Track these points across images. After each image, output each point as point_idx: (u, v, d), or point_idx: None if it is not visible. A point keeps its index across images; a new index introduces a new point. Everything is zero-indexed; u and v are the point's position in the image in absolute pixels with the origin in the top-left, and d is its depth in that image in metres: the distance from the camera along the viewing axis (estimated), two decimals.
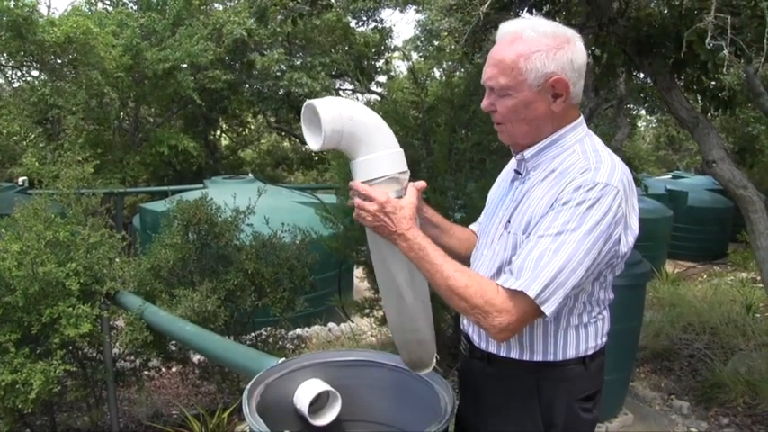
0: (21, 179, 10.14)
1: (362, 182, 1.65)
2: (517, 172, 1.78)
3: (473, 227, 2.06)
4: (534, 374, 1.70)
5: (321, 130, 1.57)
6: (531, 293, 1.51)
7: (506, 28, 1.66)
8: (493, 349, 1.75)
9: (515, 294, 1.53)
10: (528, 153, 1.71)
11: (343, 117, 1.60)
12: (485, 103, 1.70)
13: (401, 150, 1.70)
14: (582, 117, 1.74)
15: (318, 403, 1.93)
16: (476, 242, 1.99)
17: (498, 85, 1.63)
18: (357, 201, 1.64)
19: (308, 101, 1.63)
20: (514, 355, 1.71)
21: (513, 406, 1.75)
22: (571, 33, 1.65)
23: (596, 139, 1.72)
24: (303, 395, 1.90)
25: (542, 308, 1.52)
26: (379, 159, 1.65)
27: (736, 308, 6.52)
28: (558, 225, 1.53)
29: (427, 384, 1.88)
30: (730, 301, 6.86)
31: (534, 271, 1.52)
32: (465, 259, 1.96)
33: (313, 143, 1.65)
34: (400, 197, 1.66)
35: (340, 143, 1.62)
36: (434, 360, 1.88)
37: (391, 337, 1.91)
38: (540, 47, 1.59)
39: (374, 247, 1.74)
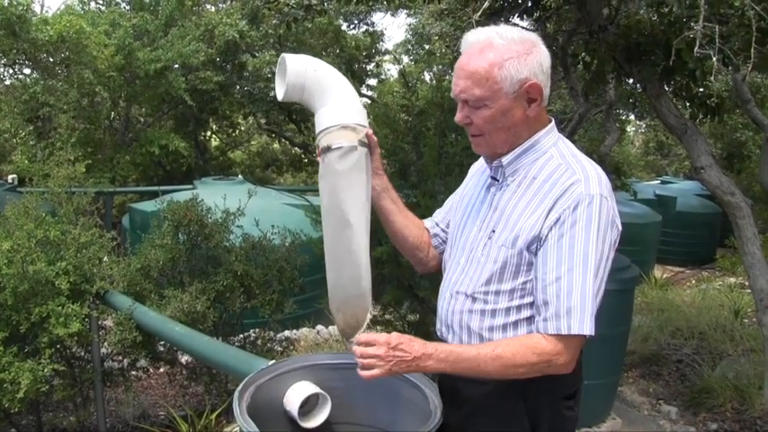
0: (10, 177, 10.08)
1: (319, 131, 1.73)
2: (494, 178, 1.79)
3: (427, 223, 2.07)
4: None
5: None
6: (589, 331, 1.56)
7: (473, 38, 1.65)
8: None
9: (566, 335, 1.57)
10: (506, 159, 1.72)
11: (307, 71, 1.72)
12: (459, 117, 1.70)
13: (363, 108, 1.78)
14: (553, 121, 1.76)
15: (308, 406, 1.94)
16: (426, 237, 2.02)
17: (474, 96, 1.62)
18: (360, 351, 1.58)
19: (282, 54, 1.76)
20: None
21: (498, 409, 1.75)
22: (535, 37, 1.66)
23: (569, 143, 1.74)
24: (293, 397, 1.90)
25: (589, 333, 1.57)
26: (334, 108, 1.73)
27: (725, 313, 6.56)
28: (581, 251, 1.56)
29: (416, 387, 1.89)
30: (719, 306, 6.90)
31: (583, 309, 1.55)
32: (411, 248, 2.00)
33: (279, 93, 1.77)
34: (355, 148, 1.72)
35: (302, 95, 1.74)
36: (368, 317, 1.90)
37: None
38: (511, 53, 1.60)
39: (328, 193, 1.77)
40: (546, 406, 1.73)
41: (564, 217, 1.57)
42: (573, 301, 1.55)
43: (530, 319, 1.68)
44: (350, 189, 1.75)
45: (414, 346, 1.56)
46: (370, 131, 1.77)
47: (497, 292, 1.69)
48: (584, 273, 1.55)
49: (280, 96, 1.77)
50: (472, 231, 1.80)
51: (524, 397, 1.72)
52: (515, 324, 1.70)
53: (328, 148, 1.71)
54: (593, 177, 1.61)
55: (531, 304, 1.67)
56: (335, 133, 1.71)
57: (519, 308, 1.69)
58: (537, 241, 1.62)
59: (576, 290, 1.55)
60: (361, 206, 1.78)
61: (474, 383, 1.77)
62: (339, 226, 1.78)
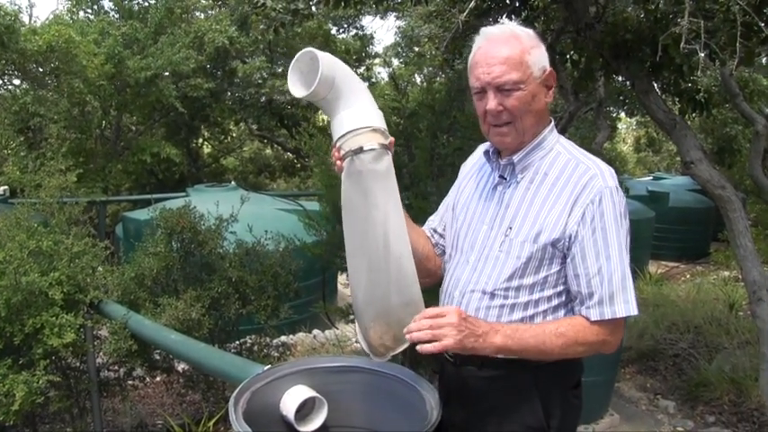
0: (1, 188, 10.04)
1: (345, 133, 1.66)
2: (502, 177, 1.82)
3: (427, 231, 2.08)
4: (532, 371, 1.73)
5: (317, 74, 1.59)
6: (634, 311, 1.67)
7: (496, 30, 1.73)
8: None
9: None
10: (516, 157, 1.77)
11: (338, 65, 1.66)
12: (493, 105, 1.71)
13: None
14: (552, 120, 1.83)
15: (305, 410, 1.93)
16: (431, 247, 2.04)
17: (512, 80, 1.68)
18: (430, 323, 1.58)
19: (305, 48, 1.66)
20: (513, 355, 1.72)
21: (513, 404, 1.78)
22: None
23: (567, 140, 1.83)
24: (289, 402, 1.90)
25: (634, 313, 1.69)
26: (363, 110, 1.68)
27: (720, 306, 6.59)
28: (614, 240, 1.66)
29: (413, 389, 1.88)
30: (713, 300, 6.94)
31: (625, 291, 1.66)
32: (421, 259, 1.96)
33: (301, 90, 1.66)
34: (387, 151, 1.70)
35: (329, 93, 1.65)
36: None
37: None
38: (533, 43, 1.71)
39: (363, 195, 1.70)
40: (556, 395, 1.78)
41: (591, 211, 1.66)
42: (615, 287, 1.65)
43: (545, 312, 1.74)
44: (387, 191, 1.71)
45: (479, 322, 1.64)
46: (392, 139, 1.75)
47: (518, 288, 1.74)
48: (621, 258, 1.66)
49: (302, 92, 1.65)
50: (482, 230, 1.82)
51: (537, 388, 1.75)
52: (532, 318, 1.74)
53: (360, 150, 1.65)
54: (606, 169, 1.71)
55: (549, 297, 1.74)
56: (367, 135, 1.65)
57: (537, 301, 1.74)
58: (566, 238, 1.69)
59: (616, 275, 1.66)
60: (400, 210, 1.75)
61: (483, 382, 1.79)
62: (379, 232, 1.70)
